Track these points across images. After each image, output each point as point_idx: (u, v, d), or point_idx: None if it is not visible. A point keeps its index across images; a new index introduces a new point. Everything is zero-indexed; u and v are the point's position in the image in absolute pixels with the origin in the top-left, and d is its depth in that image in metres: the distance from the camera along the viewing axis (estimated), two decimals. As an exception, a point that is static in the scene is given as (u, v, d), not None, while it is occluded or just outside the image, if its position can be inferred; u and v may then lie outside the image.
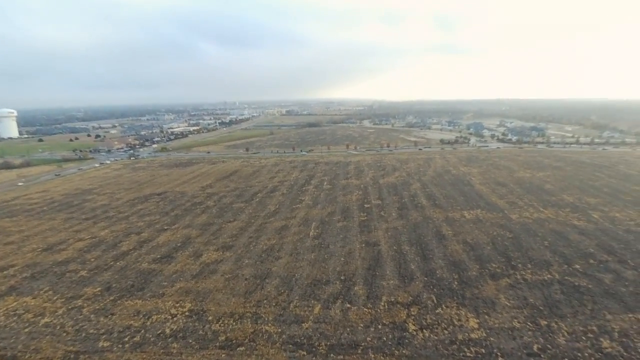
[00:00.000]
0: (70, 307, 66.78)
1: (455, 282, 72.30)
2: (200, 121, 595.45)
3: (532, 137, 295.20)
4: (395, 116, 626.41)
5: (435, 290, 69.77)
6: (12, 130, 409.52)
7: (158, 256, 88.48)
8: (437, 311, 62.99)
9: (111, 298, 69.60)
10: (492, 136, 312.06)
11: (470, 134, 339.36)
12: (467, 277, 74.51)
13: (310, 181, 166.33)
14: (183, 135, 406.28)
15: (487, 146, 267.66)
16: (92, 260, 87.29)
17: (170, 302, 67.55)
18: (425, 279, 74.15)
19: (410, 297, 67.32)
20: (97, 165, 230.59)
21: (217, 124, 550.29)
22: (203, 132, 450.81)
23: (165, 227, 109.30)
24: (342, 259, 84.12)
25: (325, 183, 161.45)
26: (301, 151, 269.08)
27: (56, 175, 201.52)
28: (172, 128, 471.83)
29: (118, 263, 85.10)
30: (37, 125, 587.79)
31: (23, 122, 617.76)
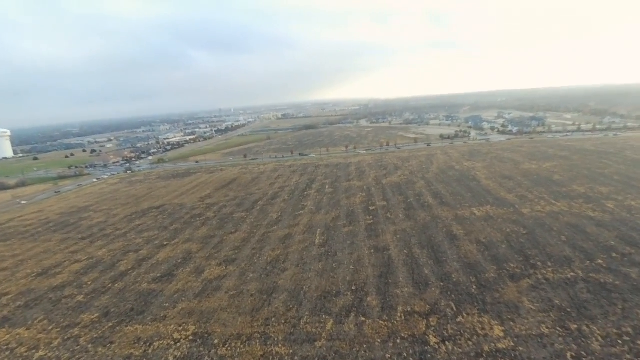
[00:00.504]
0: (66, 338, 62.51)
1: (474, 286, 68.18)
2: (197, 130, 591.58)
3: (532, 127, 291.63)
4: (392, 114, 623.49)
5: (453, 296, 65.65)
6: (6, 150, 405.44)
7: (158, 275, 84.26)
8: (458, 320, 58.86)
9: (110, 324, 65.35)
10: (492, 128, 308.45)
11: (470, 127, 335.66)
12: (486, 279, 70.40)
13: (311, 185, 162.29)
14: (179, 145, 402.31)
15: (487, 139, 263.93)
16: (89, 283, 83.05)
17: (172, 326, 63.33)
18: (442, 284, 70.04)
19: (428, 306, 63.18)
20: (94, 180, 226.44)
21: (214, 131, 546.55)
22: (199, 140, 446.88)
23: (165, 243, 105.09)
24: (352, 267, 80.00)
25: (327, 186, 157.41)
26: (300, 155, 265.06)
27: (56, 192, 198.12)
28: (169, 138, 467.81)
29: (116, 285, 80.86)
30: (32, 144, 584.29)
31: (18, 141, 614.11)
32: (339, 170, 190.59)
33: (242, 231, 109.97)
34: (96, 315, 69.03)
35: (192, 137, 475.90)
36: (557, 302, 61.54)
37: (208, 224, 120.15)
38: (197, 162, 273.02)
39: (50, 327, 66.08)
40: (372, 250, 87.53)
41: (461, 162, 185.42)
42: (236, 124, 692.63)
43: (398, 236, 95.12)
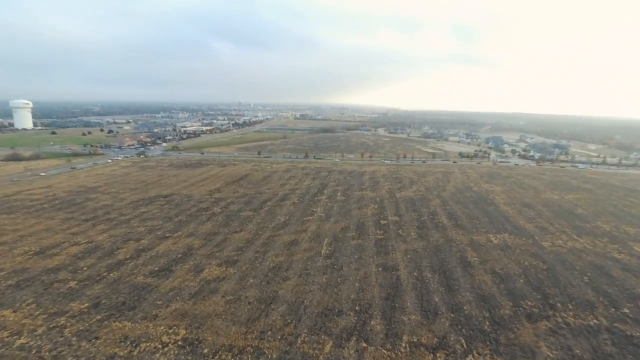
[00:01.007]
0: (51, 326, 59.49)
1: (487, 322, 63.22)
2: (214, 121, 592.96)
3: (555, 154, 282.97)
4: (411, 125, 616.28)
5: (464, 331, 60.82)
6: (26, 122, 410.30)
7: (155, 268, 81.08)
8: (467, 359, 54.09)
9: (98, 317, 62.15)
10: (513, 151, 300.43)
11: (490, 148, 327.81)
12: (500, 316, 65.37)
13: (322, 191, 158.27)
14: (195, 134, 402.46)
15: (508, 162, 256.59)
16: (85, 269, 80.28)
17: (162, 327, 59.82)
18: (452, 315, 65.23)
19: (436, 339, 58.49)
20: (108, 161, 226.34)
21: (231, 124, 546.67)
22: (216, 132, 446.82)
23: (167, 235, 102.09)
24: (357, 284, 75.65)
25: (338, 194, 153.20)
26: (314, 157, 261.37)
27: (72, 168, 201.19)
28: (185, 127, 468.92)
29: (111, 274, 77.88)
30: (53, 118, 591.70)
31: (40, 113, 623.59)
32: (353, 178, 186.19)
33: (247, 231, 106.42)
34: (86, 305, 65.95)
35: (208, 127, 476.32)
36: (577, 351, 56.34)
37: (213, 219, 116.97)
38: (203, 153, 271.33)
39: (37, 313, 63.17)
40: (380, 269, 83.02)
41: (479, 183, 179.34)
42: (254, 119, 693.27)
43: (409, 256, 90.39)
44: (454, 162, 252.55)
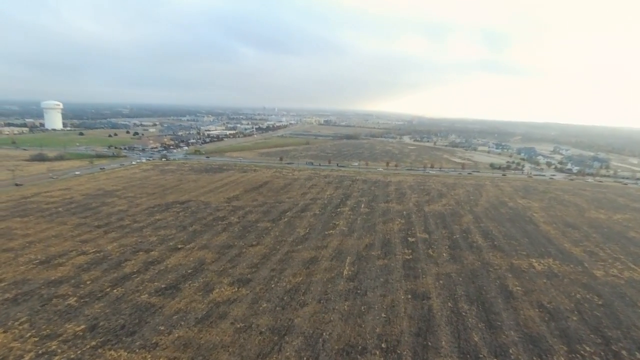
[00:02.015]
0: (40, 352, 53.35)
1: (540, 373, 53.16)
2: (238, 125, 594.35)
3: (595, 168, 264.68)
4: (437, 134, 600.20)
5: (512, 383, 51.04)
6: (56, 122, 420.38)
7: (162, 285, 74.58)
8: (520, 423, 44.40)
9: (92, 343, 55.67)
10: (548, 164, 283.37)
11: (523, 159, 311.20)
12: (554, 365, 55.12)
13: (345, 201, 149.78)
14: (219, 138, 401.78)
15: (543, 175, 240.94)
16: (88, 282, 74.60)
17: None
18: (496, 361, 55.48)
19: (479, 392, 49.01)
20: (133, 163, 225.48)
21: (254, 129, 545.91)
22: (239, 136, 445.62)
23: (179, 246, 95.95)
24: (383, 314, 66.76)
25: (362, 205, 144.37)
26: (338, 165, 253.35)
27: (101, 169, 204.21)
28: (209, 130, 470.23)
29: (115, 290, 71.80)
30: (84, 119, 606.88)
31: (72, 114, 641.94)
32: (377, 189, 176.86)
33: (264, 245, 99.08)
34: (82, 327, 59.70)
35: (232, 131, 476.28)
36: (658, 420, 45.64)
37: (229, 230, 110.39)
38: (240, 159, 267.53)
39: (29, 335, 57.28)
40: (410, 296, 73.81)
41: (514, 198, 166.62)
42: (278, 124, 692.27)
43: (441, 281, 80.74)
44: (469, 172, 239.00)
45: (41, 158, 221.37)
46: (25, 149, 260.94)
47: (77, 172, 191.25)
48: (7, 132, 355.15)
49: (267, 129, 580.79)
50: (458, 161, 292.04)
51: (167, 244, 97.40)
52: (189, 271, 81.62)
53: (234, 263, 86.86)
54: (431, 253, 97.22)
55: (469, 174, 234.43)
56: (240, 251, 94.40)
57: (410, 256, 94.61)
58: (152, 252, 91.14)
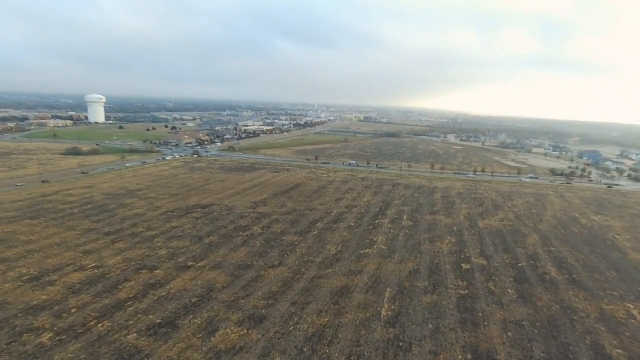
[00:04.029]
0: (-21, 422, 40.88)
1: None
2: (276, 121, 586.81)
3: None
4: (485, 133, 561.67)
5: None
6: (99, 116, 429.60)
7: (158, 320, 61.00)
8: None
9: (47, 412, 42.56)
10: (619, 171, 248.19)
11: (588, 164, 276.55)
12: None
13: (385, 211, 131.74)
14: (255, 134, 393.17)
15: (616, 184, 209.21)
16: (73, 311, 62.50)
17: None
18: None
19: None
20: (167, 158, 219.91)
21: (292, 125, 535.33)
22: (276, 132, 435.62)
23: (190, 264, 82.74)
24: (435, 386, 49.17)
25: (404, 217, 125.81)
26: (377, 167, 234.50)
27: (143, 163, 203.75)
28: (247, 126, 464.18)
29: (100, 326, 58.96)
30: (128, 113, 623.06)
31: (119, 108, 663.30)
32: (422, 196, 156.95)
33: (287, 266, 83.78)
34: (44, 381, 46.95)
35: (269, 127, 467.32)
36: None
37: (250, 244, 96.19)
38: (259, 155, 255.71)
39: (-24, 390, 45.21)
40: (470, 357, 55.57)
41: (587, 214, 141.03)
42: (316, 120, 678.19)
43: (510, 334, 61.66)
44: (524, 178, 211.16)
45: (75, 152, 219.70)
46: (62, 142, 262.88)
47: (104, 169, 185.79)
48: (53, 125, 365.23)
49: (305, 125, 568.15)
50: (512, 165, 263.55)
51: (177, 260, 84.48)
52: (194, 300, 67.74)
53: (249, 291, 72.10)
54: (493, 288, 77.76)
55: (529, 179, 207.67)
56: (258, 274, 79.63)
57: (466, 291, 75.76)
58: (157, 271, 78.35)
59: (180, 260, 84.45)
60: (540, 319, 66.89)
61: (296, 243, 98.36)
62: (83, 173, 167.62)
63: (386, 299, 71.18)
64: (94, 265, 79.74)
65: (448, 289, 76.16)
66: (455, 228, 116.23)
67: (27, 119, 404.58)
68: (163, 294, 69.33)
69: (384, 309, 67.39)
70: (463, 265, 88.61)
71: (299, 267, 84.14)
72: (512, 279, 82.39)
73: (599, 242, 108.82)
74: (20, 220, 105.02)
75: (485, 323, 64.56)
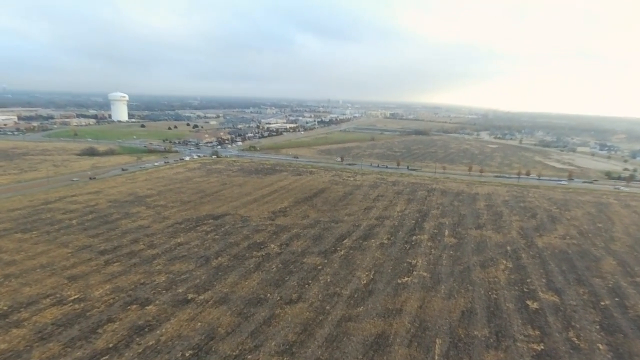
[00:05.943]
0: None
1: None
2: (300, 118, 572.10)
3: None
4: (520, 130, 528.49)
5: None
6: (122, 114, 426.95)
7: (136, 388, 46.42)
8: None
9: None
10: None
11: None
12: None
13: (422, 224, 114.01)
14: (278, 132, 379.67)
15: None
16: (33, 369, 48.80)
17: None
18: None
19: None
20: (183, 159, 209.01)
21: (316, 122, 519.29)
22: (299, 130, 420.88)
23: (190, 296, 68.18)
24: None
25: (446, 231, 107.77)
26: (408, 168, 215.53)
27: (165, 162, 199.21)
28: (269, 123, 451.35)
29: (60, 395, 44.94)
30: (154, 110, 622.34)
31: (143, 106, 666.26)
32: (462, 204, 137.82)
33: (308, 302, 67.91)
34: None
35: (292, 125, 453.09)
36: None
37: (264, 267, 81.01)
38: (296, 157, 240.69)
39: None
40: None
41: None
42: (341, 117, 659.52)
43: None
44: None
45: (91, 152, 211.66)
46: (80, 142, 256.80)
47: (117, 171, 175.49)
48: (76, 123, 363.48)
49: (330, 122, 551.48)
50: (558, 166, 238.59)
51: (175, 290, 70.13)
52: (187, 354, 52.86)
53: (258, 340, 56.64)
54: (576, 340, 59.34)
55: (583, 182, 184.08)
56: (272, 313, 64.12)
57: (541, 345, 57.73)
58: (149, 307, 64.12)
59: (180, 291, 70.02)
60: (655, 396, 48.39)
61: (319, 267, 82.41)
62: (91, 179, 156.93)
63: (436, 356, 54.22)
64: (76, 296, 66.36)
65: (517, 342, 58.32)
66: (508, 247, 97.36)
67: (52, 117, 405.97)
68: (150, 343, 54.82)
69: (435, 375, 50.53)
70: (529, 302, 70.30)
71: (323, 302, 68.13)
72: (597, 326, 63.62)
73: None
74: (11, 234, 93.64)
75: (579, 402, 46.70)
